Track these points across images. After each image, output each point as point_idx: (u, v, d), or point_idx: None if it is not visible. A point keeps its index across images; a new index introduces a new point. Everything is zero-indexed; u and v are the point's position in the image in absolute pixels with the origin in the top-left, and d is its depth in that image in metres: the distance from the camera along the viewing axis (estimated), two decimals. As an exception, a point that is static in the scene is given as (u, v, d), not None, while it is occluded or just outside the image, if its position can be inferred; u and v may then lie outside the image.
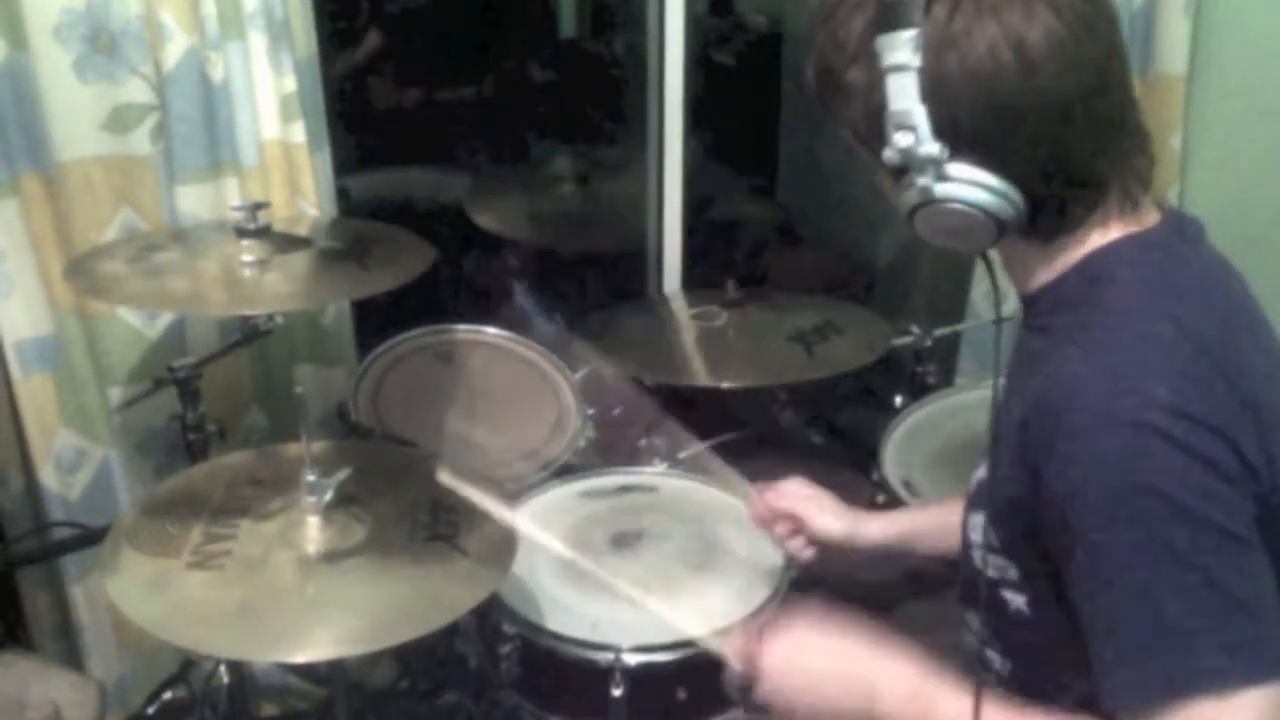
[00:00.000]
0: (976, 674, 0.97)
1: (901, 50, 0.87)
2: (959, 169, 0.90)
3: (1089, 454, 0.85)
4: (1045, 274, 0.98)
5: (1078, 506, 0.86)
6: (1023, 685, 1.03)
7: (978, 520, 1.02)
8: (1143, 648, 0.84)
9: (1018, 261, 1.01)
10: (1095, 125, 0.91)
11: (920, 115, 0.88)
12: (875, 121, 0.91)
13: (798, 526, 1.39)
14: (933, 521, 1.33)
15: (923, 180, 0.91)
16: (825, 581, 1.49)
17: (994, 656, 1.05)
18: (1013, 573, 0.98)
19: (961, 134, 0.89)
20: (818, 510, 1.37)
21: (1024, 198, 0.91)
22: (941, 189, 0.90)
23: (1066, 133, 0.90)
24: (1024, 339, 1.03)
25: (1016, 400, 0.98)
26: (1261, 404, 0.88)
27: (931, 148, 0.89)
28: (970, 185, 0.90)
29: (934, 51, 0.87)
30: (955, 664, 1.01)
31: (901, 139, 0.89)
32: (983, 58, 0.87)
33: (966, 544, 1.05)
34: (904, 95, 0.88)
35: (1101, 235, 0.95)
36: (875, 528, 1.36)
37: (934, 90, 0.88)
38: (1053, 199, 0.93)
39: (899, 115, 0.89)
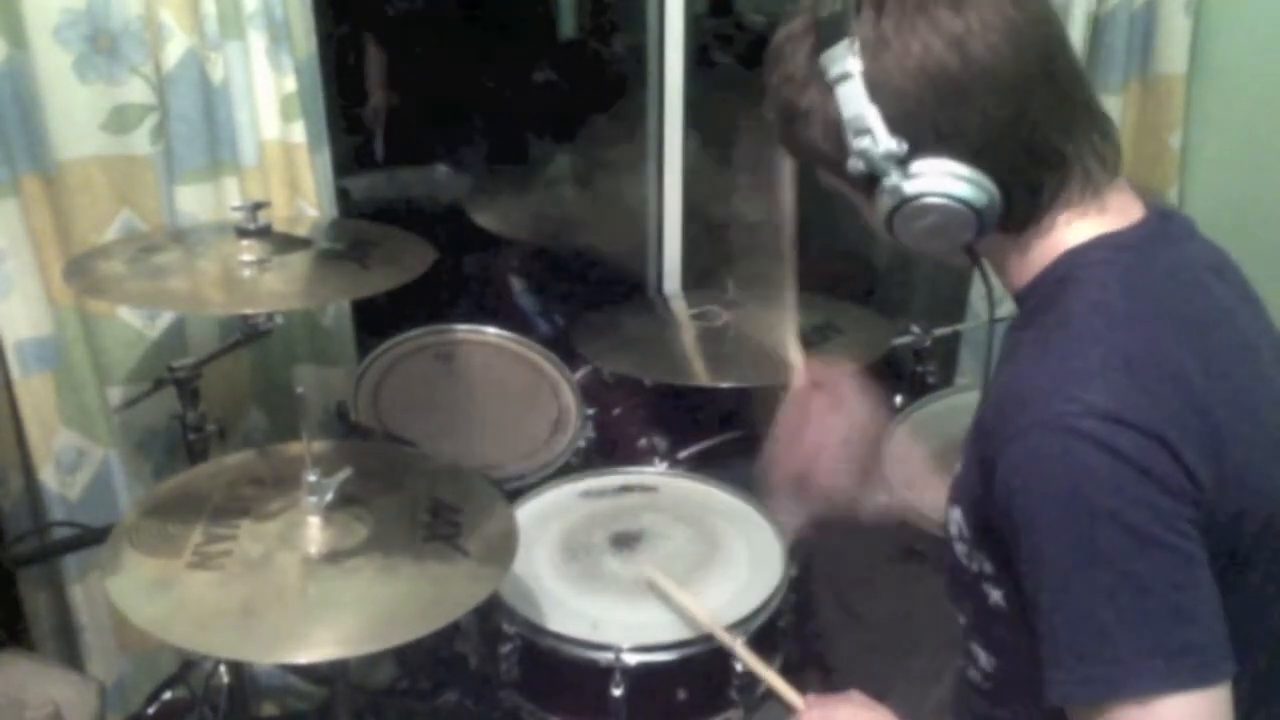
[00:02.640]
0: None
1: (841, 60, 0.91)
2: (923, 164, 0.92)
3: (1028, 458, 0.86)
4: (1025, 272, 0.99)
5: (1019, 508, 0.87)
6: (1008, 682, 1.03)
7: (955, 514, 1.02)
8: (1071, 649, 0.85)
9: (998, 260, 1.01)
10: (1047, 99, 0.92)
11: (873, 115, 0.91)
12: (836, 138, 0.94)
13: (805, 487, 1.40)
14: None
15: (891, 181, 0.92)
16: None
17: (980, 653, 1.06)
18: (988, 566, 0.98)
19: (917, 128, 0.91)
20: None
21: (994, 184, 0.92)
22: (911, 185, 0.92)
23: (1018, 109, 0.91)
24: (1006, 337, 1.04)
25: (988, 398, 0.98)
26: (1221, 408, 0.87)
27: (889, 143, 0.91)
28: (938, 176, 0.92)
29: (871, 54, 0.90)
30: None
31: (860, 143, 0.92)
32: (917, 50, 0.90)
33: (948, 538, 1.05)
34: (854, 101, 0.91)
35: (1075, 231, 0.96)
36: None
37: (879, 89, 0.90)
38: (1019, 181, 0.93)
39: (853, 121, 0.92)
